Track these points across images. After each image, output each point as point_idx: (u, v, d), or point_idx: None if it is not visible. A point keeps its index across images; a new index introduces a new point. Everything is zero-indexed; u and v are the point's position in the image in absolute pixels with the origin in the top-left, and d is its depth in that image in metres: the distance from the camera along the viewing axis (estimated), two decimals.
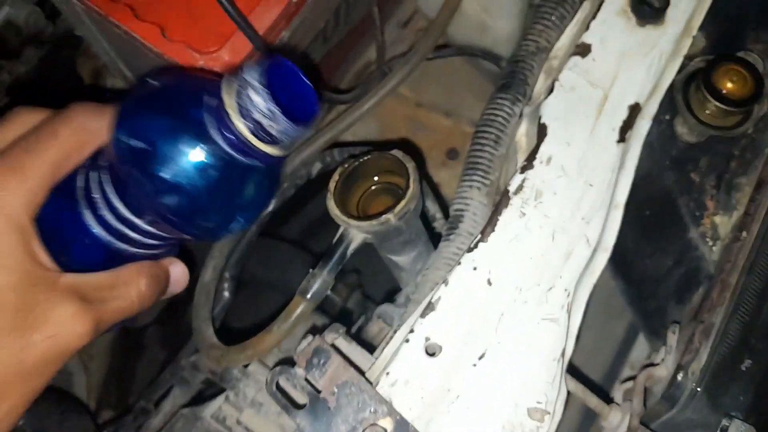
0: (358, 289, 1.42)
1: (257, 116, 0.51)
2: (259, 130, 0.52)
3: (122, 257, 0.59)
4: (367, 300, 1.27)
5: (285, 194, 0.93)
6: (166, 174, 0.53)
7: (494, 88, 0.82)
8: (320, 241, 1.64)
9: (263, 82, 0.50)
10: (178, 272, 0.63)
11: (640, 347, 0.97)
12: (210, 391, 0.84)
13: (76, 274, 0.55)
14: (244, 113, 0.51)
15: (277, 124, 0.52)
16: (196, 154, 0.53)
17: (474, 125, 1.23)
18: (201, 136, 0.53)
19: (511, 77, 0.81)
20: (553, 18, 0.82)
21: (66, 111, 0.55)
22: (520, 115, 0.79)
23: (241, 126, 0.52)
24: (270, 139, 0.53)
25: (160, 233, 0.60)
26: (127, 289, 0.57)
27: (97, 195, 0.57)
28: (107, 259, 0.59)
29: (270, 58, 0.53)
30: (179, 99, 0.55)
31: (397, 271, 0.82)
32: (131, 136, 0.53)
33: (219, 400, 0.77)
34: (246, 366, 0.77)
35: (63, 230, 0.57)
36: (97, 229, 0.58)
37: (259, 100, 0.51)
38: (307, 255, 1.41)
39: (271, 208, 0.94)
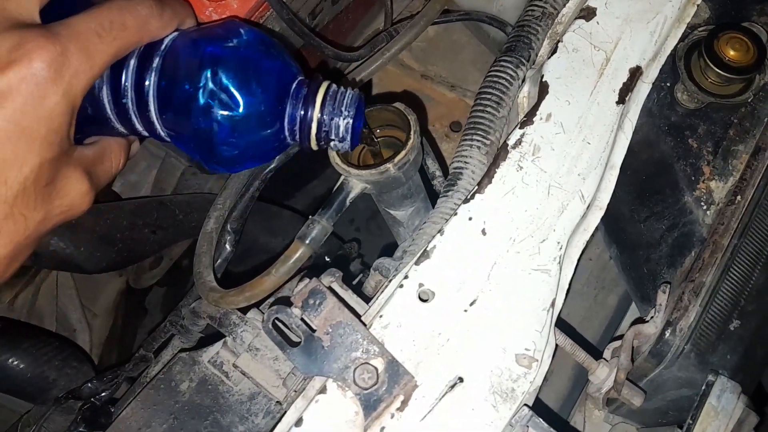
0: (359, 257, 1.43)
1: (332, 135, 0.65)
2: (322, 140, 0.66)
3: (108, 129, 0.64)
4: (366, 268, 1.29)
5: (289, 152, 0.94)
6: (229, 112, 0.60)
7: (500, 51, 0.83)
8: None
9: (351, 114, 0.64)
10: (136, 146, 0.71)
11: (632, 318, 0.98)
12: (210, 340, 0.85)
13: (82, 147, 0.59)
14: (322, 127, 0.65)
15: (340, 142, 0.66)
16: (261, 119, 0.62)
17: None
18: (274, 113, 0.63)
19: (516, 41, 0.82)
20: None
21: (134, 2, 0.58)
22: (523, 79, 0.80)
23: (313, 135, 0.65)
24: (323, 145, 0.67)
25: (160, 133, 0.64)
26: (110, 164, 0.63)
27: (128, 83, 0.61)
28: (99, 127, 0.63)
29: (360, 95, 0.66)
30: (278, 69, 0.64)
31: (395, 226, 0.83)
32: (226, 77, 0.60)
33: (217, 346, 0.79)
34: (245, 312, 0.78)
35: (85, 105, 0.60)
36: (109, 108, 0.62)
37: (342, 127, 0.65)
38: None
39: (274, 164, 0.96)
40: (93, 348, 1.43)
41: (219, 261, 0.89)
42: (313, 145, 0.66)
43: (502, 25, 1.00)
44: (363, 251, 1.55)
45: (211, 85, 0.60)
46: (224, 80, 0.60)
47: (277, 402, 0.74)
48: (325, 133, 0.65)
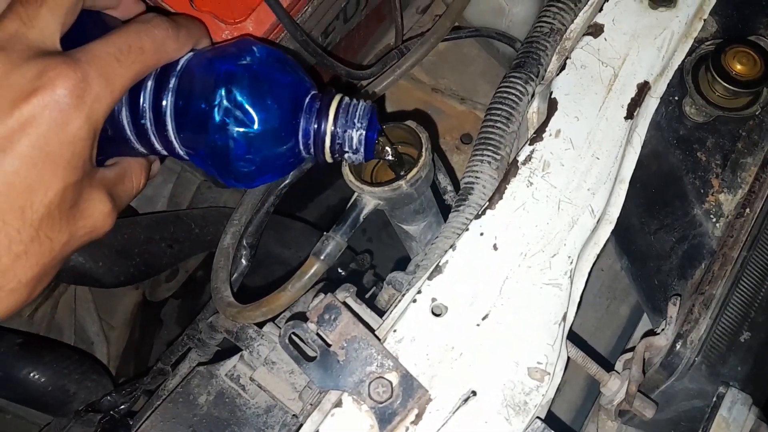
0: (371, 269, 1.45)
1: (346, 147, 0.66)
2: (336, 153, 0.67)
3: (129, 150, 0.66)
4: (379, 280, 1.30)
5: (303, 167, 0.96)
6: (245, 129, 0.62)
7: (510, 67, 0.84)
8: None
9: (365, 126, 0.65)
10: (157, 166, 0.72)
11: (644, 329, 0.99)
12: (227, 354, 0.87)
13: (104, 169, 0.61)
14: (336, 139, 0.66)
15: (354, 154, 0.67)
16: (276, 134, 0.63)
17: None
18: (289, 128, 0.65)
19: (525, 57, 0.83)
20: (567, 1, 0.85)
21: (150, 25, 0.60)
22: (533, 95, 0.81)
23: (327, 148, 0.66)
24: (337, 157, 0.68)
25: (179, 152, 0.66)
26: (132, 184, 0.65)
27: (146, 104, 0.63)
28: (120, 148, 0.65)
29: (372, 107, 0.67)
30: (291, 84, 0.65)
31: (408, 241, 0.85)
32: (241, 94, 0.61)
33: (234, 360, 0.80)
34: (261, 326, 0.80)
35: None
36: (129, 129, 0.64)
37: (355, 139, 0.66)
38: (321, 234, 1.44)
39: (289, 179, 0.98)
40: (110, 360, 1.45)
41: (235, 275, 0.90)
42: (328, 158, 0.68)
43: (511, 41, 1.02)
44: (375, 262, 1.57)
45: (225, 102, 0.62)
46: (238, 97, 0.62)
47: (294, 415, 0.76)
48: (339, 145, 0.66)
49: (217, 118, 0.62)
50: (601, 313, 1.05)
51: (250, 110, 0.62)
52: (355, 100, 0.67)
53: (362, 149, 0.66)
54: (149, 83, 0.63)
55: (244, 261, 0.93)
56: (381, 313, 0.72)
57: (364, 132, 0.66)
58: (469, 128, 1.32)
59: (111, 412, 0.91)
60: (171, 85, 0.63)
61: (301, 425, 0.65)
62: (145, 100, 0.63)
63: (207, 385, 0.80)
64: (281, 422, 0.78)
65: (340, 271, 1.44)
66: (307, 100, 0.66)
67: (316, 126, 0.66)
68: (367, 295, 0.89)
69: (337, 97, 0.67)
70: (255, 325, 0.80)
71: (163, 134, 0.64)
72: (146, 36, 0.59)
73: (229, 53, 0.65)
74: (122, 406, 0.91)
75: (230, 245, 0.88)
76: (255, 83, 0.63)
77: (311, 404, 0.72)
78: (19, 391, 0.98)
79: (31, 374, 0.98)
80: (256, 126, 0.63)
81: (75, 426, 0.94)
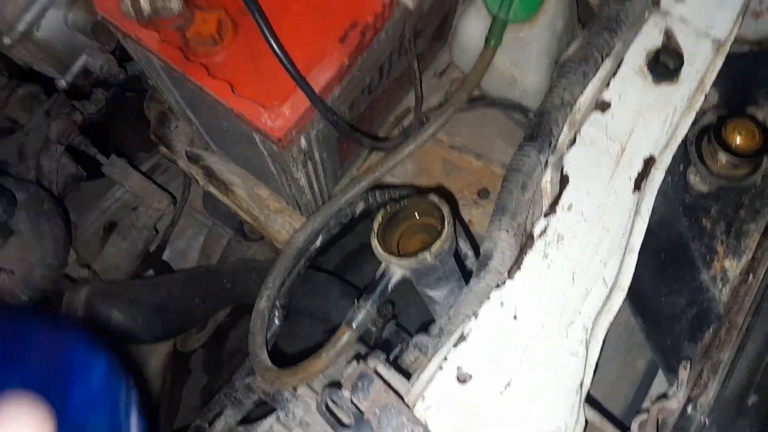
0: (393, 319, 1.50)
1: None
2: None
3: None
4: (400, 329, 1.35)
5: (331, 231, 1.02)
6: None
7: (522, 138, 0.90)
8: (356, 270, 1.73)
9: None
10: None
11: (662, 382, 1.03)
12: (261, 411, 0.92)
13: None
14: None
15: None
16: None
17: (503, 167, 1.32)
18: None
19: (538, 128, 0.89)
20: (577, 75, 0.90)
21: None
22: (546, 164, 0.87)
23: None
24: None
25: None
26: None
27: None
28: None
29: None
30: None
31: (431, 304, 0.90)
32: None
33: (270, 420, 0.85)
34: (295, 388, 0.85)
35: None
36: None
37: None
38: (345, 285, 1.50)
39: (318, 243, 1.04)
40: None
41: (269, 335, 0.96)
42: None
43: (524, 111, 1.08)
44: (397, 311, 1.62)
45: None
46: None
47: None
48: None
49: None
50: (618, 366, 1.08)
51: None
52: None
53: None
54: None
55: (277, 321, 0.99)
56: (407, 374, 0.77)
57: None
58: (486, 183, 1.37)
59: None
60: None
61: None
62: None
63: None
64: None
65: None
66: None
67: None
68: (392, 355, 0.94)
69: None
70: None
71: None
72: None
73: None
74: None
75: (266, 308, 0.94)
76: None
77: None
78: None
79: None
80: None
81: None
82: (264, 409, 0.96)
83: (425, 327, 0.95)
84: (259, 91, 0.83)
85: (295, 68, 0.78)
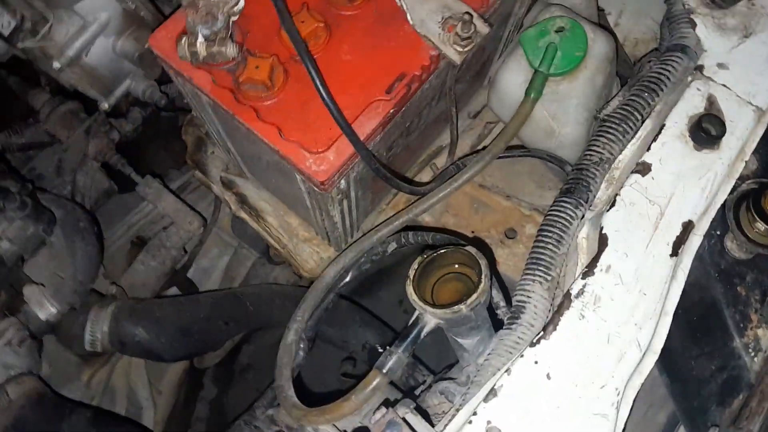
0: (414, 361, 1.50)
1: None
2: None
3: None
4: (417, 361, 1.35)
5: (361, 268, 1.03)
6: None
7: (559, 191, 0.91)
8: (373, 296, 1.73)
9: None
10: None
11: None
12: None
13: None
14: None
15: None
16: None
17: (532, 209, 1.33)
18: None
19: (576, 183, 0.90)
20: (617, 133, 0.92)
21: None
22: (582, 218, 0.88)
23: None
24: None
25: None
26: None
27: None
28: None
29: None
30: None
31: (459, 350, 0.91)
32: None
33: None
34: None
35: None
36: None
37: None
38: (365, 314, 1.51)
39: (347, 279, 1.05)
40: (156, 424, 1.52)
41: (293, 366, 0.97)
42: None
43: (561, 163, 1.09)
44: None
45: None
46: None
47: None
48: None
49: None
50: (638, 418, 1.08)
51: None
52: None
53: None
54: None
55: (302, 353, 1.00)
56: (428, 417, 0.78)
57: None
58: (514, 223, 1.38)
59: None
60: None
61: None
62: None
63: None
64: None
65: (380, 350, 1.50)
66: None
67: None
68: (416, 394, 0.94)
69: None
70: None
71: None
72: None
73: None
74: None
75: (293, 341, 0.95)
76: None
77: None
78: None
79: None
80: None
81: None
82: None
83: (446, 367, 0.96)
84: (305, 136, 0.85)
85: (342, 117, 0.80)
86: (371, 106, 0.86)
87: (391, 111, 0.87)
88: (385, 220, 1.02)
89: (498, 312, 0.90)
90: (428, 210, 1.03)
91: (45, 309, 1.19)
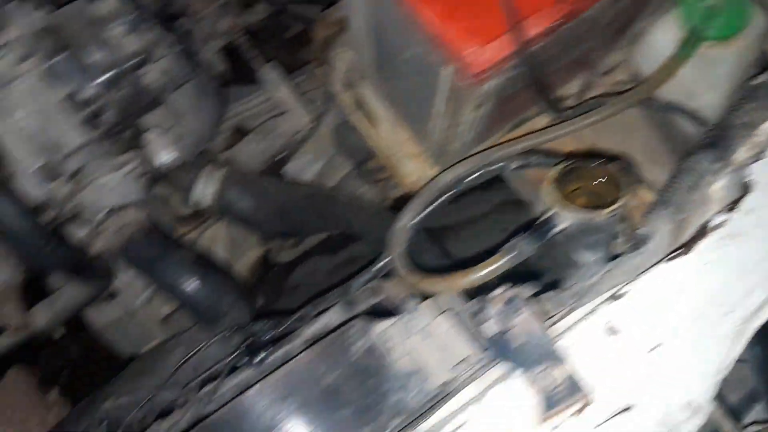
0: None
1: None
2: None
3: None
4: None
5: (483, 176, 1.04)
6: None
7: (697, 144, 0.92)
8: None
9: None
10: None
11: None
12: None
13: None
14: None
15: None
16: None
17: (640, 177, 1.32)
18: None
19: (717, 139, 0.91)
20: (763, 99, 0.92)
21: None
22: (717, 172, 0.89)
23: None
24: None
25: None
26: None
27: None
28: None
29: None
30: None
31: (569, 268, 0.92)
32: None
33: (389, 322, 0.89)
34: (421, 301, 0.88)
35: None
36: None
37: None
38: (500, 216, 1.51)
39: (460, 188, 1.07)
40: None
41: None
42: None
43: (702, 122, 1.09)
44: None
45: None
46: None
47: (442, 384, 0.83)
48: None
49: None
50: None
51: None
52: None
53: None
54: None
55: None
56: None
57: None
58: None
59: (253, 338, 1.01)
60: None
61: (448, 394, 0.73)
62: None
63: (361, 338, 0.89)
64: (418, 388, 0.86)
65: None
66: None
67: None
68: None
69: None
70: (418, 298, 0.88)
71: None
72: None
73: None
74: (267, 336, 1.01)
75: (403, 226, 0.98)
76: None
77: (469, 377, 0.80)
78: (183, 296, 1.10)
79: (196, 285, 1.10)
80: None
81: (215, 343, 1.04)
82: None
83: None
84: (470, 26, 0.87)
85: (513, 11, 0.81)
86: (542, 11, 0.88)
87: (558, 21, 0.89)
88: (518, 138, 1.03)
89: (615, 242, 0.92)
90: (557, 138, 1.04)
91: (161, 155, 1.23)
